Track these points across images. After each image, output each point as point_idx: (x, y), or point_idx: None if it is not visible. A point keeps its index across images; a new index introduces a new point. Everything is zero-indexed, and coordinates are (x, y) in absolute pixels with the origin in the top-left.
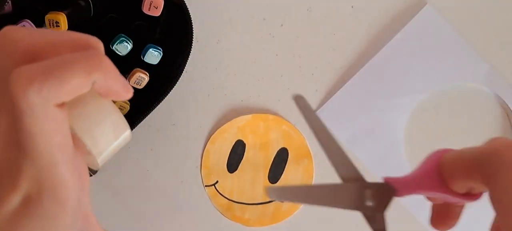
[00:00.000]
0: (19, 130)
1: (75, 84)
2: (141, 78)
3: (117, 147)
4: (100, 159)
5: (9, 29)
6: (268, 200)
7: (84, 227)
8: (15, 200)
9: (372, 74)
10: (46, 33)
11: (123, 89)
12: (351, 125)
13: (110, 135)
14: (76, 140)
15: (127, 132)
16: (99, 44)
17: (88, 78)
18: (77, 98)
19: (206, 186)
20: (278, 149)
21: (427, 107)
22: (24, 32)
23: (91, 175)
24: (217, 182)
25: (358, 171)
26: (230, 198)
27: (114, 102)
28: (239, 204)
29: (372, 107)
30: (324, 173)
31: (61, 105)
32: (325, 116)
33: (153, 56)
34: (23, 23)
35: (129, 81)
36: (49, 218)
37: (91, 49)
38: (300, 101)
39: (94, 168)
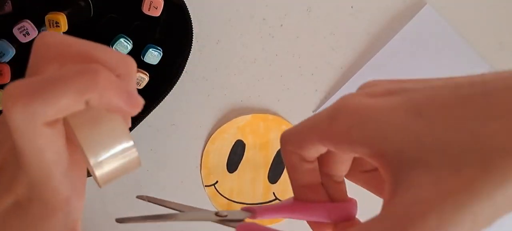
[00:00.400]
0: (14, 143)
1: (64, 104)
2: (141, 78)
3: (122, 174)
4: (102, 183)
5: (46, 33)
6: (268, 200)
7: None
8: (7, 201)
9: (372, 74)
10: (82, 44)
11: (127, 105)
12: None
13: (117, 162)
14: (81, 154)
15: (136, 162)
16: (124, 64)
17: (79, 99)
18: (91, 113)
19: (206, 186)
20: (278, 149)
21: None
22: (59, 39)
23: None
24: (217, 182)
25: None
26: (230, 198)
27: None
28: (239, 204)
29: None
30: None
31: (53, 123)
32: None
33: (153, 56)
34: (23, 23)
35: None
36: (35, 225)
37: (93, 65)
38: (145, 198)
39: (99, 186)
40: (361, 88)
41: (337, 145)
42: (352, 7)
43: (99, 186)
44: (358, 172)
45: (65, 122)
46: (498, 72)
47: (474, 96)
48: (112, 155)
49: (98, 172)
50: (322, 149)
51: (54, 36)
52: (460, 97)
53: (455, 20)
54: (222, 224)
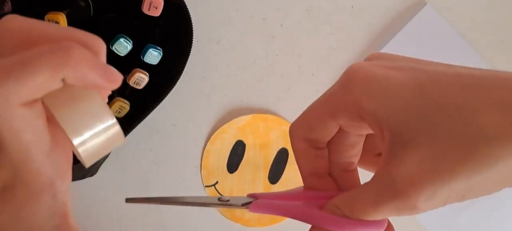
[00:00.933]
0: None
1: (39, 83)
2: (141, 78)
3: (106, 150)
4: (87, 161)
5: (8, 17)
6: None
7: (61, 226)
8: None
9: None
10: (47, 26)
11: (103, 79)
12: None
13: (100, 139)
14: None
15: (119, 137)
16: (94, 42)
17: (54, 76)
18: (69, 92)
19: (206, 186)
20: (278, 149)
21: None
22: (21, 23)
23: (91, 176)
24: (217, 182)
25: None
26: None
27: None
28: None
29: None
30: None
31: (30, 103)
32: None
33: (153, 56)
34: None
35: (128, 81)
36: (21, 208)
37: (65, 42)
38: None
39: (84, 165)
40: (369, 59)
41: (349, 114)
42: (352, 7)
43: (85, 165)
44: (371, 156)
45: (45, 103)
46: (496, 70)
47: (473, 87)
48: (95, 133)
49: (81, 151)
50: (332, 129)
51: (15, 20)
52: (461, 86)
53: (455, 20)
54: (225, 207)
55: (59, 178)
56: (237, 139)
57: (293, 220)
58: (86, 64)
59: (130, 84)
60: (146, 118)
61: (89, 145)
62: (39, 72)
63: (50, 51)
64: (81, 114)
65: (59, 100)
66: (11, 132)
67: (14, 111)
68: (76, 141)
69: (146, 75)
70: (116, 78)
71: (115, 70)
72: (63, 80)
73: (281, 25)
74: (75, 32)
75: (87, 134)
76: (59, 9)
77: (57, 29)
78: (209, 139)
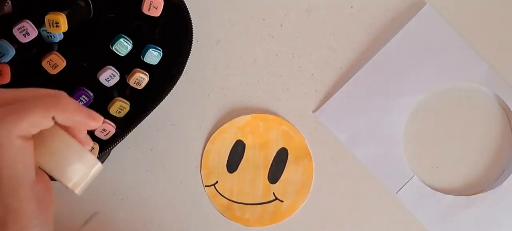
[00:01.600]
0: None
1: (35, 120)
2: (141, 78)
3: (92, 178)
4: (80, 192)
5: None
6: (268, 200)
7: None
8: None
9: (371, 74)
10: (17, 91)
11: (87, 119)
12: (351, 125)
13: (86, 174)
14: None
15: (97, 165)
16: (60, 93)
17: (46, 115)
18: (50, 143)
19: (206, 186)
20: (277, 149)
21: (427, 107)
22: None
23: None
24: (217, 182)
25: None
26: (230, 198)
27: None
28: (239, 204)
29: (372, 107)
30: (324, 173)
31: (25, 138)
32: (325, 116)
33: (153, 56)
34: (23, 23)
35: (128, 81)
36: None
37: (56, 91)
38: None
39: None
40: None
41: None
42: (352, 7)
43: (78, 194)
44: None
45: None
46: None
47: None
48: (81, 173)
49: (77, 191)
50: None
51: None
52: None
53: (455, 20)
54: None
55: (43, 208)
56: (237, 139)
57: (293, 220)
58: (72, 106)
59: (130, 84)
60: (146, 118)
61: (79, 183)
62: (35, 110)
63: (44, 96)
64: (66, 163)
65: (46, 156)
66: (6, 161)
67: (13, 141)
68: (71, 185)
69: (146, 75)
70: (97, 117)
71: (95, 112)
72: (53, 118)
73: (281, 25)
74: (42, 91)
75: (76, 176)
76: (59, 9)
77: (28, 92)
78: (209, 139)
